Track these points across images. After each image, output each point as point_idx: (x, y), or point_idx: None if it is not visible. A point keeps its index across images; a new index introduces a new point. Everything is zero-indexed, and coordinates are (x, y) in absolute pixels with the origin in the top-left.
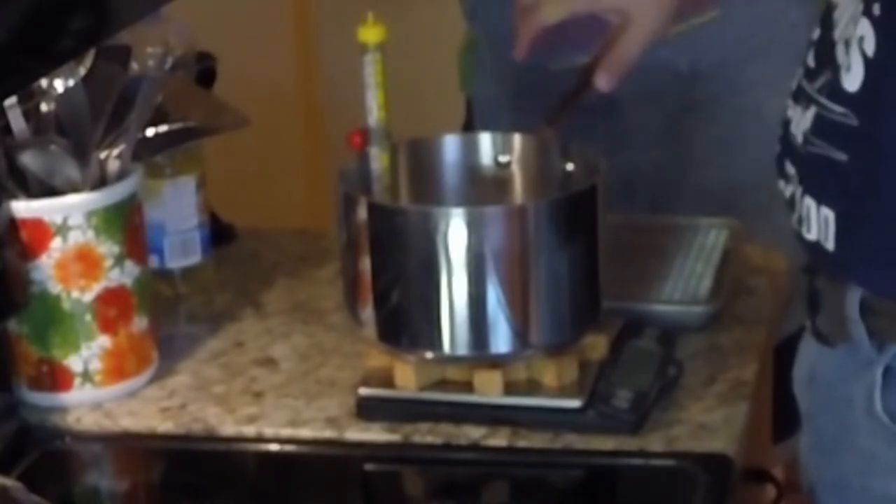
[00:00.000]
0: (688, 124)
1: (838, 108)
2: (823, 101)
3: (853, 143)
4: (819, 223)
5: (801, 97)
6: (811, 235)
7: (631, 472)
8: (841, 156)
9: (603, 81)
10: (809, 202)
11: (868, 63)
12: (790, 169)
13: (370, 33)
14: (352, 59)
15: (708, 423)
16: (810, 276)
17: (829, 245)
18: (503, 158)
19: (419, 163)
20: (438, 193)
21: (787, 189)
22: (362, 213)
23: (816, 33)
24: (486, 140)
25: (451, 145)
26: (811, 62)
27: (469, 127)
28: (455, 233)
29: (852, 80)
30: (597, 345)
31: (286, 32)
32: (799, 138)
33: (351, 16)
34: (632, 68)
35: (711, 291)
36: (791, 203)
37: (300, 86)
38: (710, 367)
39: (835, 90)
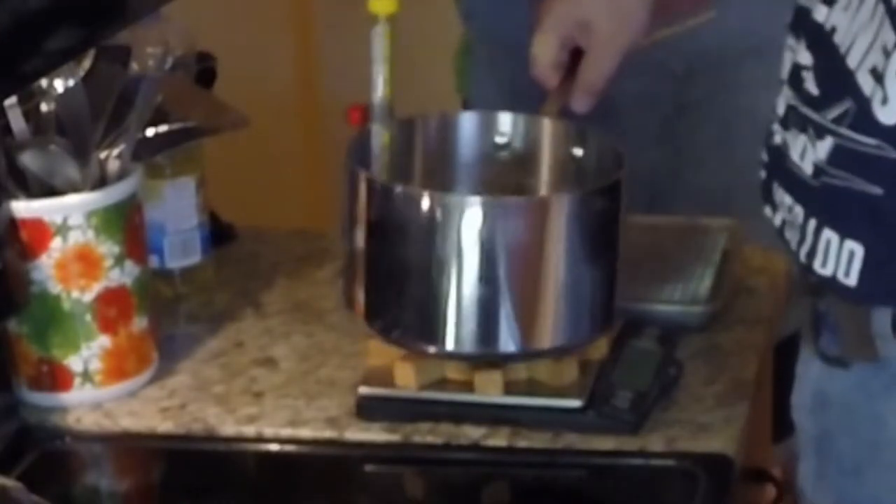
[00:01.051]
0: (683, 124)
1: (869, 140)
2: (845, 132)
3: (890, 176)
4: (839, 257)
5: (805, 125)
6: (826, 270)
7: (631, 472)
8: (875, 189)
9: (579, 104)
10: (830, 235)
11: None
12: (783, 197)
13: (381, 4)
14: (352, 59)
15: (708, 423)
16: (814, 300)
17: (851, 280)
18: (501, 139)
19: (429, 142)
20: (449, 174)
21: (777, 217)
22: (366, 193)
23: (807, 57)
24: (502, 120)
25: (468, 123)
26: (813, 90)
27: None
28: (471, 224)
29: (889, 112)
30: (597, 345)
31: (286, 32)
32: (807, 168)
33: (351, 16)
34: (606, 85)
35: (711, 291)
36: (781, 232)
37: (300, 86)
38: (710, 367)
39: (862, 121)
